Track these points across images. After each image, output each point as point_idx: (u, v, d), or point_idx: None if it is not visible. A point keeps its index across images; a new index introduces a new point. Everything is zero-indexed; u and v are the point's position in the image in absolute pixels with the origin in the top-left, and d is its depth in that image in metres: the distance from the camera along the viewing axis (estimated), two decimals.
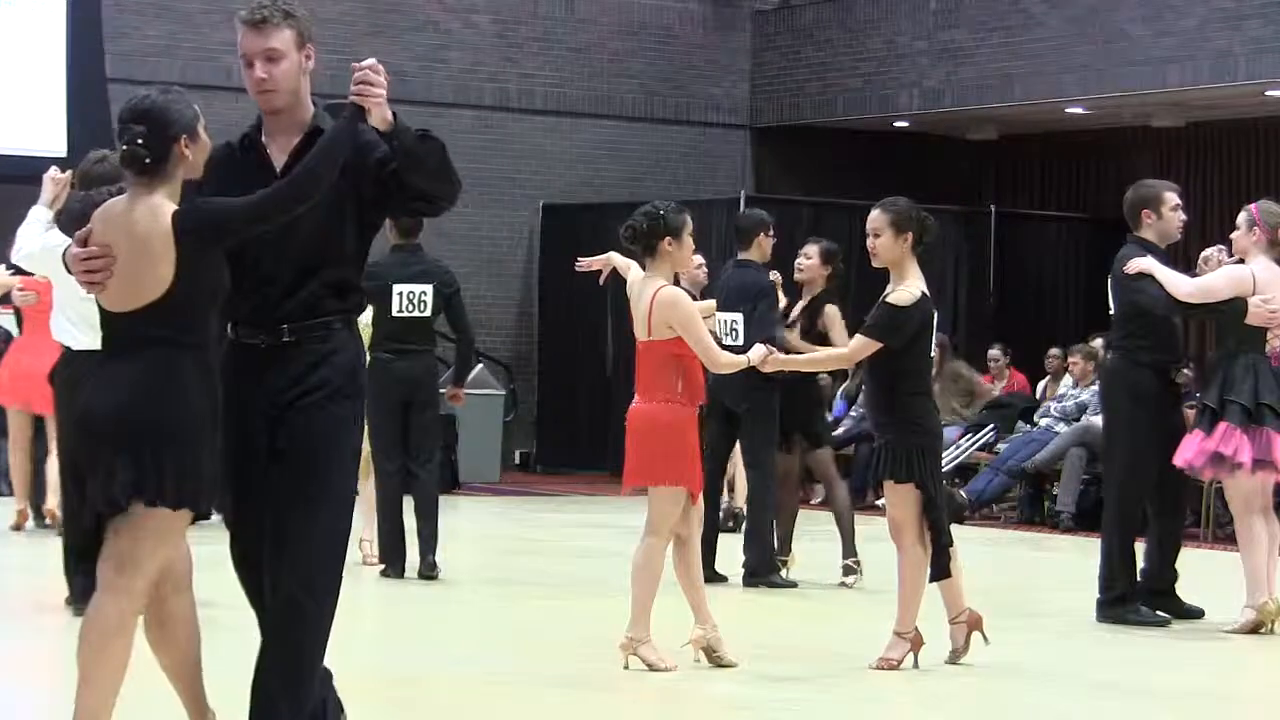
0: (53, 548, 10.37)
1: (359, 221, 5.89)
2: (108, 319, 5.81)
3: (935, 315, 9.06)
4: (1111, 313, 10.94)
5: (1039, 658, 9.80)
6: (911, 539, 8.80)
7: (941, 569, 8.88)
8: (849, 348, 9.16)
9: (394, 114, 5.74)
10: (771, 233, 12.22)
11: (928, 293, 8.94)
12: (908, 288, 8.88)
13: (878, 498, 9.16)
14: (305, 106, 5.90)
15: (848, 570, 12.13)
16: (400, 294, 11.97)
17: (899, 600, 8.88)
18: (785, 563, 12.20)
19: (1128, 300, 10.70)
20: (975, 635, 9.08)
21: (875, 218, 8.98)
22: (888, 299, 8.87)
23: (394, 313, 11.96)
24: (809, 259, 12.23)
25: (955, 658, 9.04)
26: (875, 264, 9.06)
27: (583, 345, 21.32)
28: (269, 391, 5.81)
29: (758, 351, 8.76)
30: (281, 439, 5.78)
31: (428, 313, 12.04)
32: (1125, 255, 10.82)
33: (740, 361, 8.79)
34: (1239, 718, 8.75)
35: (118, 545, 5.72)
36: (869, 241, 9.00)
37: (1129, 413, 10.65)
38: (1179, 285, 10.56)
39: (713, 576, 11.14)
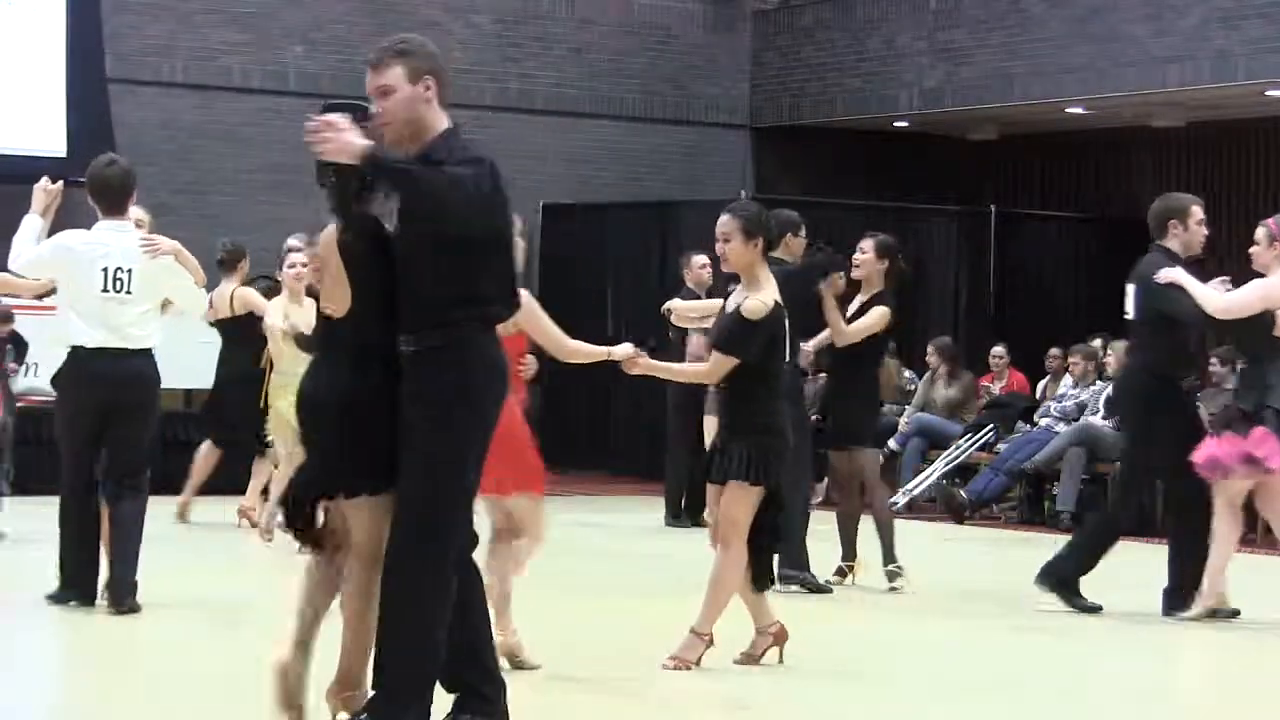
0: None
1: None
2: None
3: (787, 322, 8.88)
4: (1131, 317, 10.97)
5: (1039, 658, 9.80)
6: (741, 541, 8.74)
7: (770, 575, 8.88)
8: (708, 366, 8.82)
9: (368, 148, 6.13)
10: (802, 233, 11.88)
11: (780, 299, 8.76)
12: (761, 297, 8.66)
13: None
14: (430, 130, 6.34)
15: (892, 575, 11.85)
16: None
17: (707, 600, 8.72)
18: (852, 569, 11.97)
19: (1154, 307, 10.83)
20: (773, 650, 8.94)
21: (725, 222, 8.72)
22: (741, 310, 8.66)
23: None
24: (864, 254, 11.87)
25: (746, 661, 8.87)
26: (725, 269, 8.93)
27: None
28: None
29: (624, 349, 8.70)
30: None
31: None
32: (1154, 263, 10.93)
33: (596, 352, 8.70)
34: (1242, 718, 8.75)
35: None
36: (718, 247, 8.85)
37: (1144, 418, 10.90)
38: (1211, 300, 10.71)
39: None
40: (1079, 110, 20.67)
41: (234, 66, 20.46)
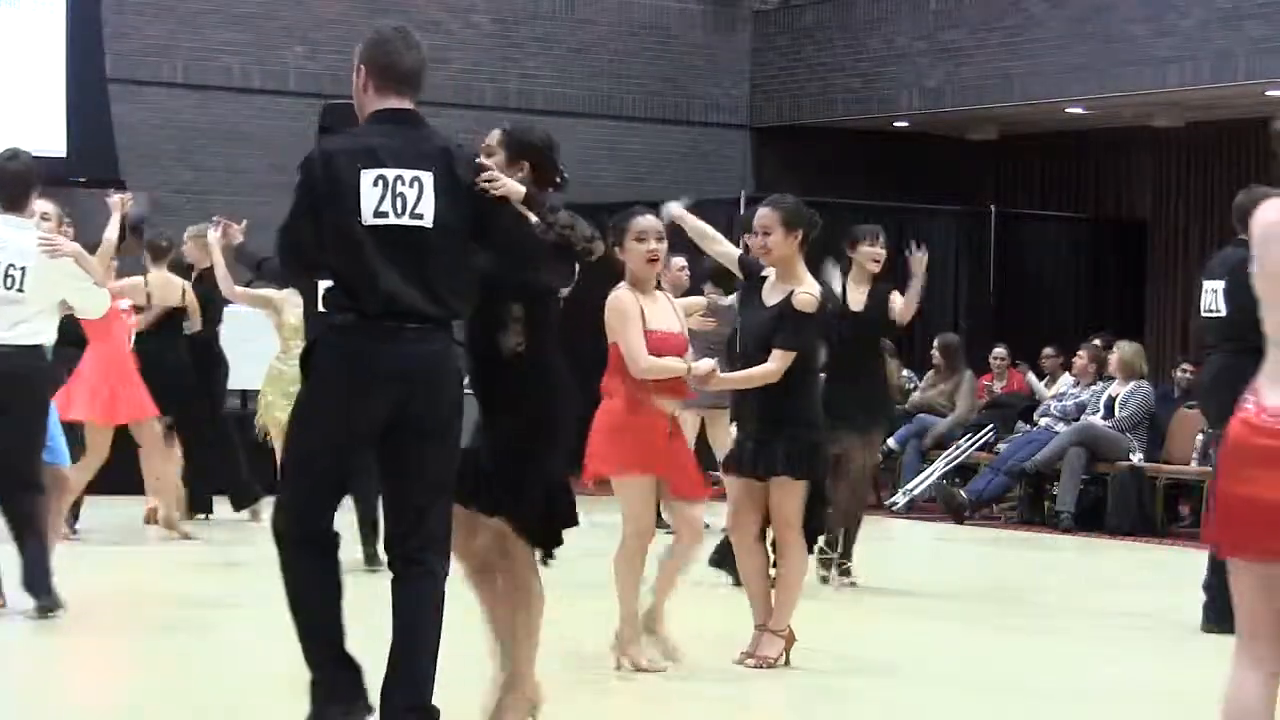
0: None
1: None
2: None
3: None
4: (1218, 314, 10.63)
5: (1039, 658, 9.80)
6: (799, 533, 8.78)
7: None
8: (773, 365, 8.65)
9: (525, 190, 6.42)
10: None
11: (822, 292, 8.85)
12: (806, 289, 8.70)
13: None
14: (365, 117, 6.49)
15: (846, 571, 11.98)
16: None
17: (780, 601, 8.81)
18: (846, 569, 11.93)
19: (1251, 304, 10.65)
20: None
21: (764, 215, 8.74)
22: (793, 304, 8.65)
23: None
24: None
25: (746, 659, 8.87)
26: (766, 262, 8.92)
27: (583, 344, 21.29)
28: None
29: (705, 364, 8.67)
30: None
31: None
32: (1242, 257, 10.78)
33: (676, 368, 8.59)
34: None
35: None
36: (758, 240, 8.86)
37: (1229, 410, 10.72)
38: None
39: None
40: (1079, 110, 20.68)
41: (234, 66, 20.46)
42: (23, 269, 9.58)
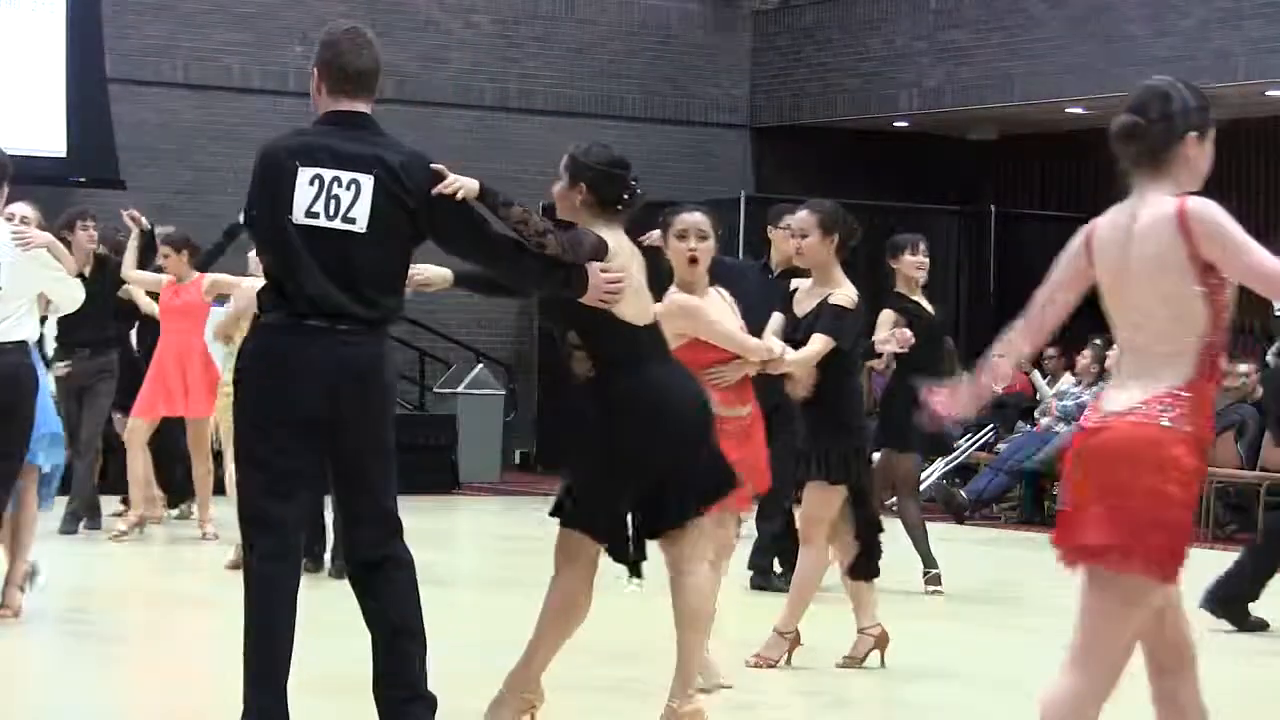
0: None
1: None
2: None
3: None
4: None
5: (1039, 658, 9.79)
6: (823, 539, 8.78)
7: (874, 567, 8.86)
8: (814, 348, 8.48)
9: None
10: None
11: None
12: (844, 291, 8.60)
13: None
14: None
15: (933, 579, 11.95)
16: None
17: (792, 599, 8.82)
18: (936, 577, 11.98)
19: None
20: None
21: (802, 218, 8.66)
22: (831, 301, 8.55)
23: None
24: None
25: (849, 664, 8.90)
26: (801, 265, 8.88)
27: None
28: None
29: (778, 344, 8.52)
30: None
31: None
32: None
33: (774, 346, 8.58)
34: (1245, 718, 8.74)
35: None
36: (794, 242, 8.82)
37: None
38: None
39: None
40: (1079, 110, 20.68)
41: (234, 66, 20.46)
42: None
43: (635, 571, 7.02)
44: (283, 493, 6.21)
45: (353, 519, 6.31)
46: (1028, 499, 17.55)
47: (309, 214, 6.16)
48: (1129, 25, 19.14)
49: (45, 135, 18.39)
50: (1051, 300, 5.29)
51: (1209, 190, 5.05)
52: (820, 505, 8.70)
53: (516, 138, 21.61)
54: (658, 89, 22.53)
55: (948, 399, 5.54)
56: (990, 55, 20.43)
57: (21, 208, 10.13)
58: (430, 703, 6.30)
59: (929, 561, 11.96)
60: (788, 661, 8.83)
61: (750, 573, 11.78)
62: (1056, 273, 5.28)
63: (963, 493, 17.32)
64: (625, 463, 6.74)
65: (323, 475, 6.29)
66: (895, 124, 22.20)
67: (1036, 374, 18.89)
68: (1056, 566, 5.16)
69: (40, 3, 19.08)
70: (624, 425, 6.69)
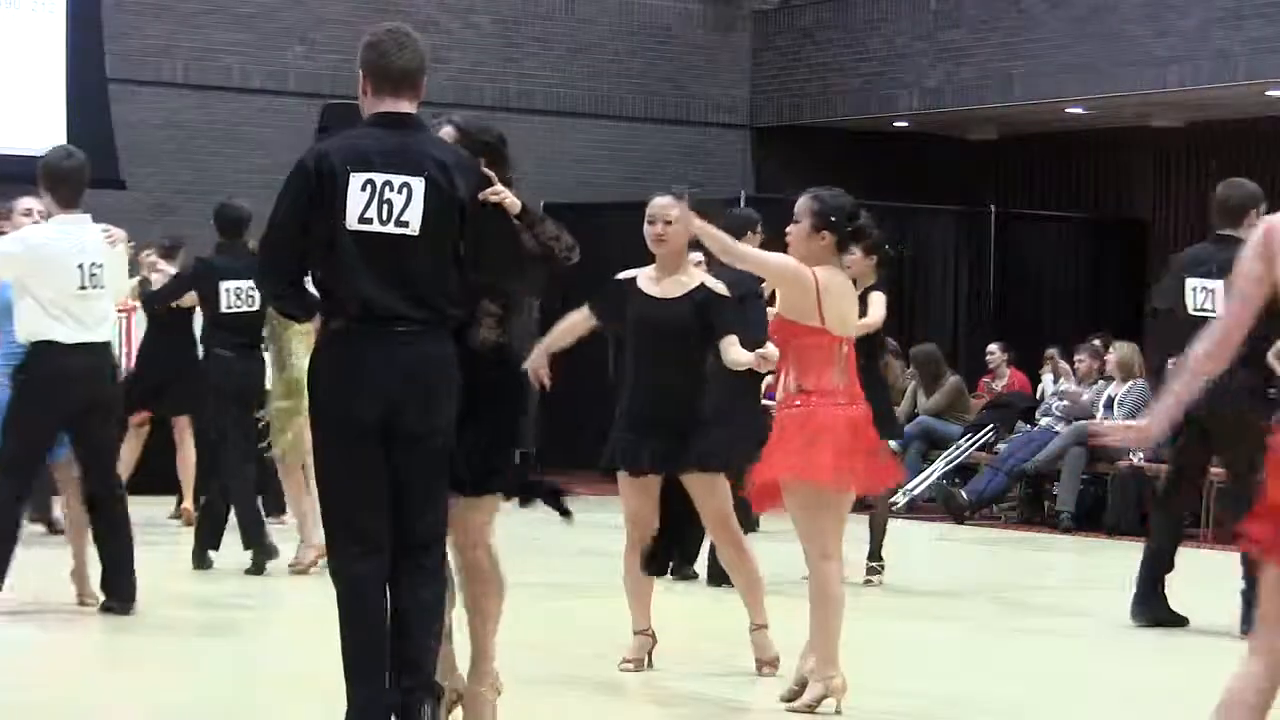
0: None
1: None
2: None
3: None
4: (1212, 314, 10.60)
5: (1039, 658, 9.80)
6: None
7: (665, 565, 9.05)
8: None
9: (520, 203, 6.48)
10: (760, 230, 11.85)
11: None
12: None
13: None
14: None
15: (872, 571, 12.09)
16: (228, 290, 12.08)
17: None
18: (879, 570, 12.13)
19: None
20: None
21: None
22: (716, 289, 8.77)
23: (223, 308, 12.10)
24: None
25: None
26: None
27: (584, 344, 21.28)
28: None
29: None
30: None
31: (256, 306, 12.03)
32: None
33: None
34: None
35: None
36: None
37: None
38: None
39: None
40: (1079, 110, 20.68)
41: (234, 66, 20.46)
42: (100, 265, 9.62)
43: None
44: (365, 496, 6.23)
45: (397, 516, 6.29)
46: (1027, 499, 17.53)
47: (362, 219, 6.18)
48: (1129, 25, 19.14)
49: (45, 135, 18.37)
50: (1240, 323, 5.09)
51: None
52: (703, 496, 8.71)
53: (516, 137, 21.51)
54: (657, 89, 22.53)
55: (1141, 432, 5.43)
56: (990, 55, 20.42)
57: (31, 201, 10.22)
58: (434, 690, 6.35)
59: (874, 555, 12.13)
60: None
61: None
62: (1236, 288, 5.11)
63: (963, 493, 17.31)
64: (528, 426, 7.01)
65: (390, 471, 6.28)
66: (895, 124, 22.20)
67: (1048, 376, 18.76)
68: (1255, 555, 5.06)
69: (40, 3, 19.07)
70: (528, 388, 7.20)
